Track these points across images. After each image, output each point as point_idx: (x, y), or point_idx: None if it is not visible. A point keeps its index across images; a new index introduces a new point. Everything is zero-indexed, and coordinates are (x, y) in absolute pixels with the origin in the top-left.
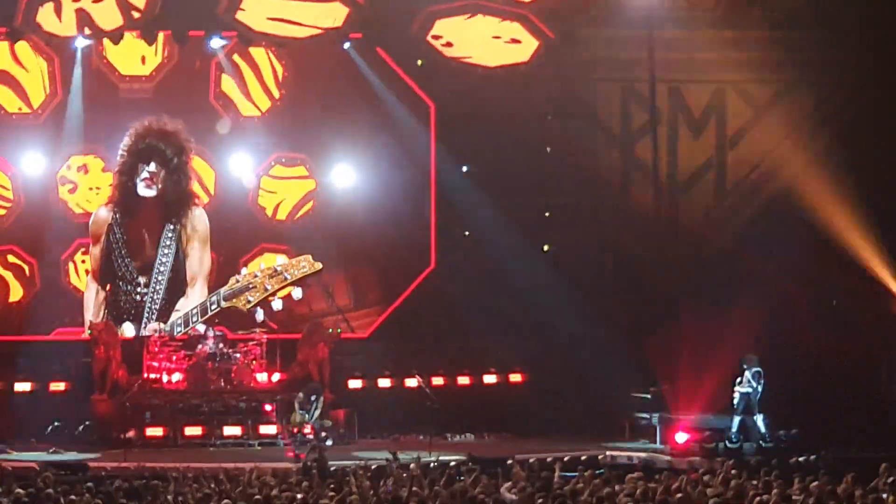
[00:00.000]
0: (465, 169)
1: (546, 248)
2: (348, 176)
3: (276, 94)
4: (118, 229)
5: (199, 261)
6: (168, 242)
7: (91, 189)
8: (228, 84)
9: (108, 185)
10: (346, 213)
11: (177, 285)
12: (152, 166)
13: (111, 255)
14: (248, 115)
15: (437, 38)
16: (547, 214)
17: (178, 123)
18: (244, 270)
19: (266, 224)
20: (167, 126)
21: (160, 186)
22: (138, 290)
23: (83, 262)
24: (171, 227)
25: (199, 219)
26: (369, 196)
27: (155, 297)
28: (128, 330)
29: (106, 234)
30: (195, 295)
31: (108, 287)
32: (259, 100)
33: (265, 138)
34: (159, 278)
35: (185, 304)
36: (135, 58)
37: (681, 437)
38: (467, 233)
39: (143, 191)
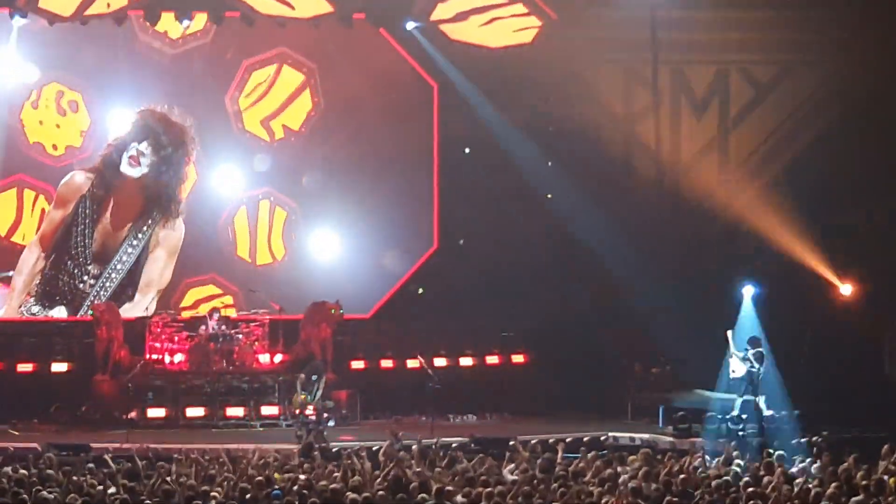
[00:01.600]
0: (466, 150)
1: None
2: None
3: (296, 127)
4: (90, 203)
5: (159, 272)
6: (136, 242)
7: (58, 126)
8: (251, 92)
9: (77, 133)
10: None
11: (126, 288)
12: (143, 145)
13: (72, 227)
14: (252, 133)
15: (439, 20)
16: (549, 196)
17: (188, 119)
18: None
19: (228, 255)
20: (174, 117)
21: (145, 171)
22: (84, 277)
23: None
24: (145, 228)
25: (176, 228)
26: (372, 178)
27: (101, 292)
28: (56, 313)
29: (75, 204)
30: (141, 303)
31: (51, 258)
32: (276, 128)
33: (268, 164)
34: (112, 275)
35: (129, 310)
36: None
37: None
38: (470, 213)
39: (126, 168)
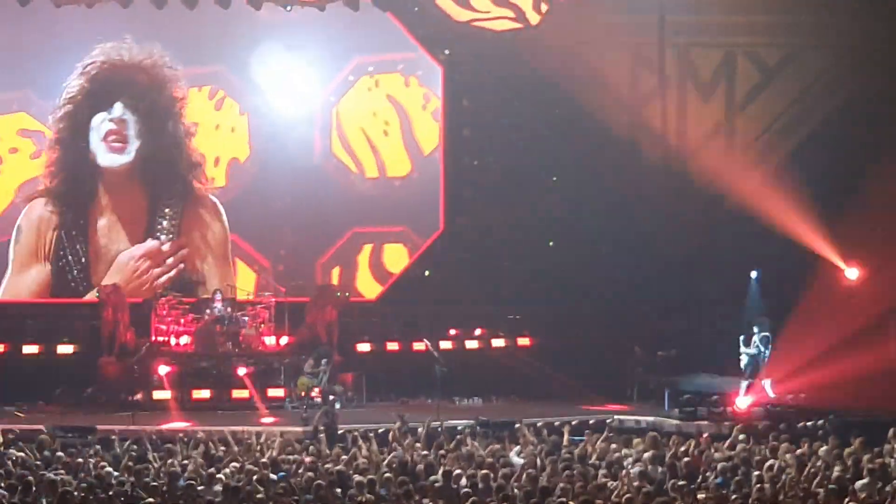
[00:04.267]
0: (465, 132)
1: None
2: None
3: None
4: (69, 239)
5: (218, 279)
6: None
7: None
8: None
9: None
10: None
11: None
12: (117, 110)
13: (64, 275)
14: None
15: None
16: (554, 179)
17: (153, 49)
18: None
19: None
20: (137, 55)
21: (138, 144)
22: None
23: None
24: (164, 227)
25: (208, 213)
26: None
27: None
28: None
29: (52, 249)
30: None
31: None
32: None
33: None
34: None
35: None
36: None
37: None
38: (476, 197)
39: (107, 157)
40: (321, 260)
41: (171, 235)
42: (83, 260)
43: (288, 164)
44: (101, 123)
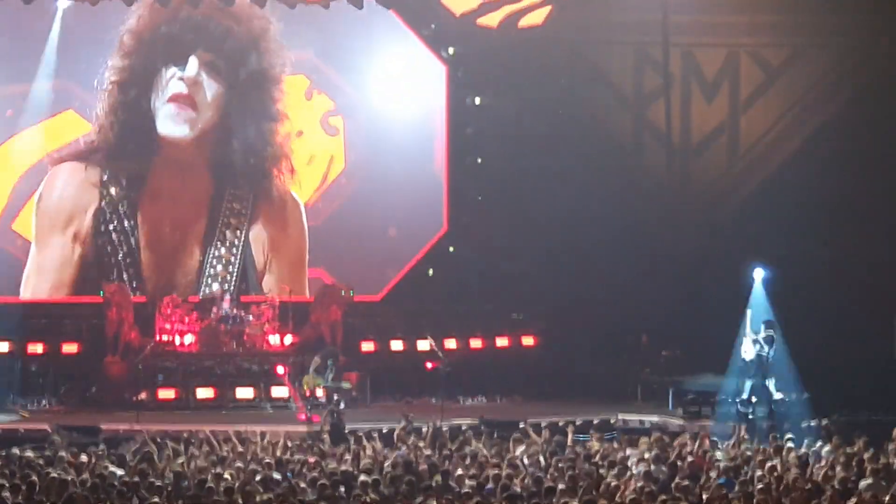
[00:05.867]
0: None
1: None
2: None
3: None
4: (114, 210)
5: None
6: (220, 253)
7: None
8: None
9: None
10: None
11: None
12: (190, 68)
13: (102, 259)
14: None
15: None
16: (558, 176)
17: None
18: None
19: None
20: None
21: (209, 115)
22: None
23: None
24: (230, 223)
25: (288, 212)
26: (381, 161)
27: None
28: None
29: (93, 221)
30: None
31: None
32: None
33: None
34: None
35: None
36: None
37: None
38: (480, 196)
39: (169, 124)
40: None
41: (238, 232)
42: (133, 246)
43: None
44: (169, 80)
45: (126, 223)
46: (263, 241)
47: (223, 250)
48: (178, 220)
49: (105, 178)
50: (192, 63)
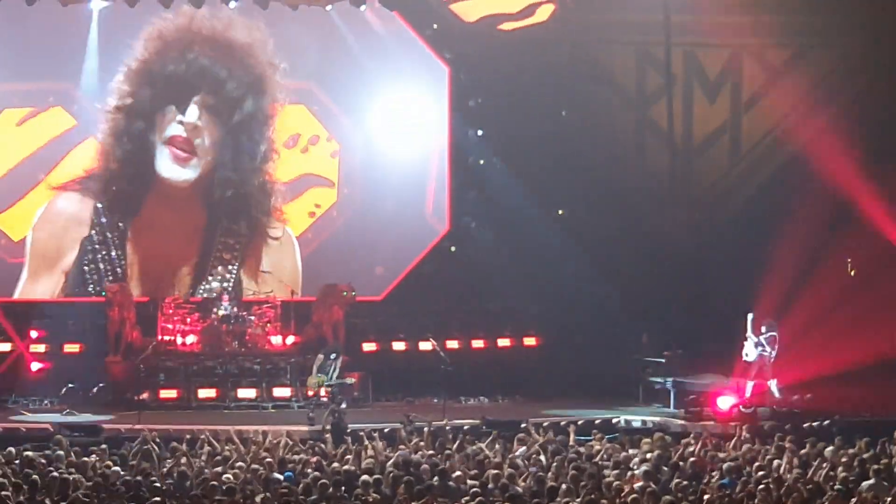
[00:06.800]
0: (479, 132)
1: (560, 212)
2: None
3: None
4: (103, 240)
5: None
6: (210, 287)
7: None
8: None
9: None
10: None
11: None
12: (191, 114)
13: (87, 286)
14: None
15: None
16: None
17: (256, 27)
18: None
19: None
20: (230, 32)
21: (208, 159)
22: None
23: None
24: (225, 259)
25: (283, 250)
26: (385, 159)
27: None
28: None
29: (79, 248)
30: None
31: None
32: None
33: None
34: None
35: None
36: None
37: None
38: (481, 196)
39: (167, 167)
40: None
41: (230, 267)
42: (119, 276)
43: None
44: (169, 123)
45: (113, 252)
46: (256, 277)
47: (214, 284)
48: (169, 253)
49: (98, 206)
50: (193, 109)
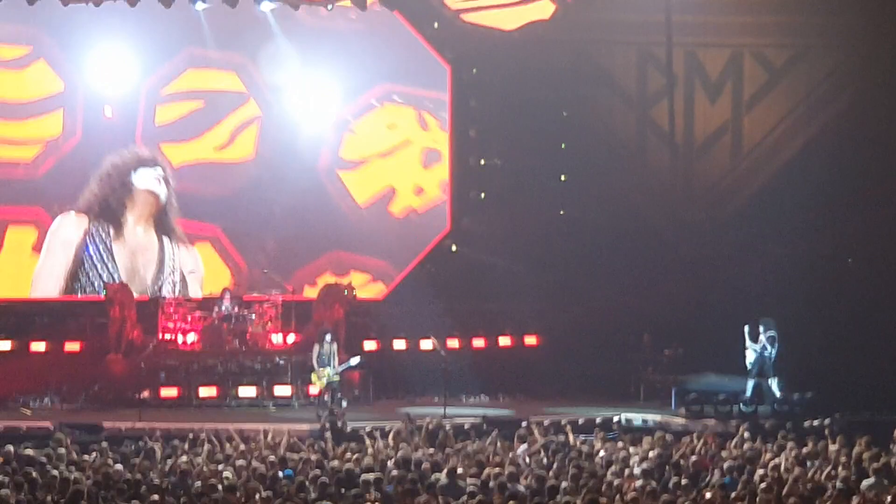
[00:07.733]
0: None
1: (561, 212)
2: None
3: None
4: (97, 247)
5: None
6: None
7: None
8: None
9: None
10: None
11: None
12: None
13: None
14: None
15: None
16: (563, 178)
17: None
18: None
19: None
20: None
21: (170, 184)
22: None
23: None
24: (172, 266)
25: (193, 258)
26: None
27: None
28: None
29: (74, 259)
30: None
31: None
32: None
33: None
34: None
35: None
36: None
37: None
38: (483, 196)
39: (148, 182)
40: (298, 272)
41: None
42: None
43: (290, 173)
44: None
45: (107, 267)
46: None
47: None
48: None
49: (87, 226)
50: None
